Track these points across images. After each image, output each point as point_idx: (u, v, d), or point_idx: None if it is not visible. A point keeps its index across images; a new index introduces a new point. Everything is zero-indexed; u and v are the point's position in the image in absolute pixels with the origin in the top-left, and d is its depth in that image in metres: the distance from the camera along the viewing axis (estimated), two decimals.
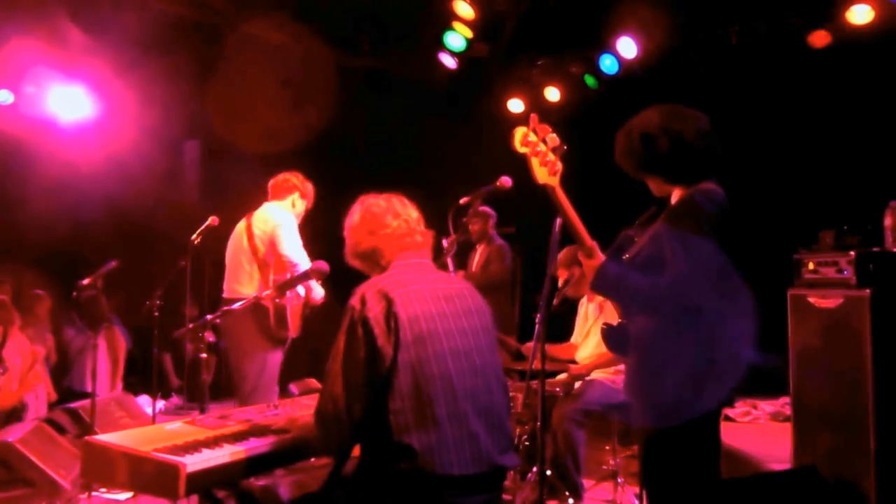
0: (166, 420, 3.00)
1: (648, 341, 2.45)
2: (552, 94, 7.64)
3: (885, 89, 6.00)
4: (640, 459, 2.60)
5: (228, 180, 7.97)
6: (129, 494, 4.46)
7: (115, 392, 6.59)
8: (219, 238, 5.24)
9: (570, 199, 2.35)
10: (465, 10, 6.65)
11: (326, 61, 7.34)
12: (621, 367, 4.34)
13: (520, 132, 2.28)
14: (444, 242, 3.87)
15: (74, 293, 4.82)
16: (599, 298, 4.54)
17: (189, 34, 6.81)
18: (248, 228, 4.64)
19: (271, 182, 4.83)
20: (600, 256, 2.40)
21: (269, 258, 4.55)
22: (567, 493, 4.21)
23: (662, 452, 2.46)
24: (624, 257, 2.58)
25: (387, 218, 2.47)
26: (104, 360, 7.02)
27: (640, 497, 4.05)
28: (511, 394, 4.34)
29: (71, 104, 6.76)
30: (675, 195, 2.55)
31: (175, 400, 7.66)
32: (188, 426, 2.59)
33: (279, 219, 4.60)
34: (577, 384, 4.51)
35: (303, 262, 4.46)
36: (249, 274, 4.56)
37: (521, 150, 2.28)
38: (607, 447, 4.60)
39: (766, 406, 6.09)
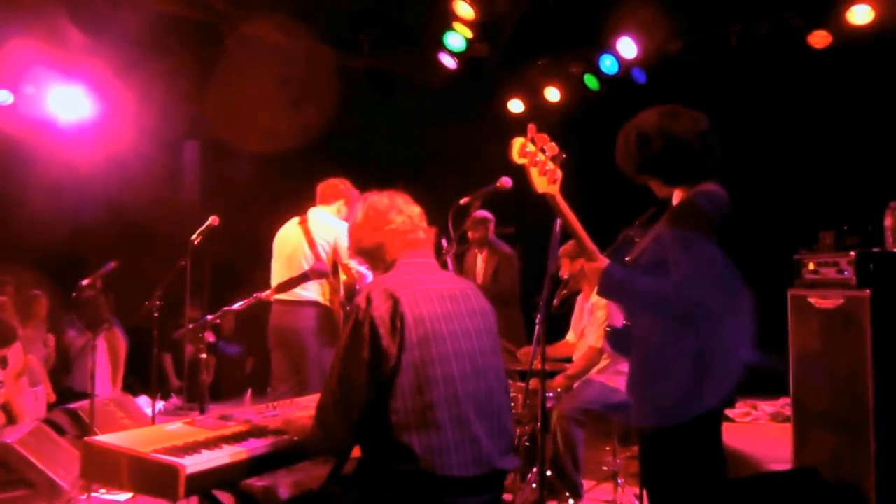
0: (166, 421, 3.00)
1: (650, 342, 2.46)
2: (552, 94, 7.63)
3: (886, 89, 6.00)
4: (641, 459, 2.60)
5: (228, 180, 7.98)
6: (128, 495, 4.46)
7: (115, 393, 6.59)
8: (219, 238, 5.25)
9: (571, 200, 2.35)
10: (465, 10, 6.65)
11: (326, 61, 7.34)
12: (620, 367, 4.34)
13: (517, 143, 2.27)
14: (444, 242, 3.87)
15: (74, 294, 4.82)
16: (594, 298, 4.54)
17: (189, 34, 6.80)
18: (308, 234, 4.76)
19: (319, 186, 4.96)
20: (603, 260, 2.40)
21: (330, 265, 4.74)
22: (567, 494, 4.21)
23: (663, 452, 2.46)
24: (627, 259, 2.58)
25: (391, 214, 2.46)
26: (104, 361, 7.03)
27: (640, 497, 4.05)
28: (511, 394, 4.35)
29: (70, 104, 6.76)
30: (677, 196, 2.55)
31: (175, 401, 7.65)
32: (188, 427, 2.59)
33: (339, 228, 4.75)
34: (577, 384, 4.51)
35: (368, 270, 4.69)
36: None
37: (519, 161, 2.28)
38: (607, 448, 4.60)
39: (767, 406, 6.09)
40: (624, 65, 6.92)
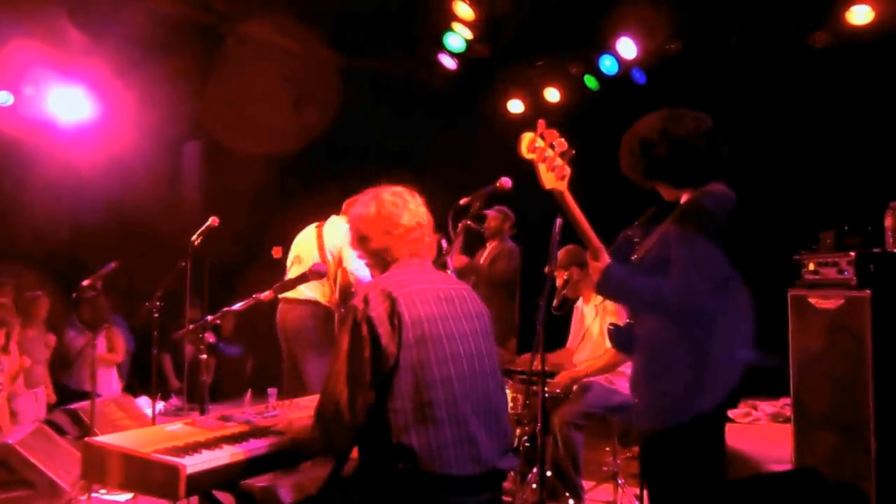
0: (166, 421, 3.00)
1: (653, 342, 2.46)
2: (552, 94, 7.63)
3: (886, 89, 5.99)
4: (641, 459, 2.60)
5: (229, 181, 7.97)
6: (128, 496, 4.47)
7: (115, 393, 6.59)
8: (219, 239, 5.25)
9: (574, 199, 2.35)
10: (465, 10, 6.65)
11: (327, 62, 7.34)
12: (620, 368, 4.34)
13: (526, 138, 2.26)
14: (444, 243, 3.87)
15: (75, 294, 4.82)
16: (597, 300, 4.54)
17: (189, 35, 6.80)
18: (320, 238, 5.07)
19: (347, 201, 5.16)
20: (606, 258, 2.40)
21: (334, 269, 5.00)
22: (567, 495, 4.21)
23: (664, 452, 2.46)
24: (633, 258, 2.58)
25: (403, 217, 2.46)
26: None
27: (640, 498, 4.05)
28: (511, 395, 4.35)
29: (70, 105, 6.75)
30: (684, 198, 2.55)
31: (175, 401, 7.65)
32: (188, 427, 2.59)
33: (347, 235, 4.79)
34: (576, 386, 4.50)
35: (367, 276, 4.75)
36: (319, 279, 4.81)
37: (528, 156, 2.26)
38: (607, 448, 4.60)
39: (767, 407, 6.08)
40: (624, 65, 6.91)
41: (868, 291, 3.66)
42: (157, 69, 6.65)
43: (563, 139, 2.28)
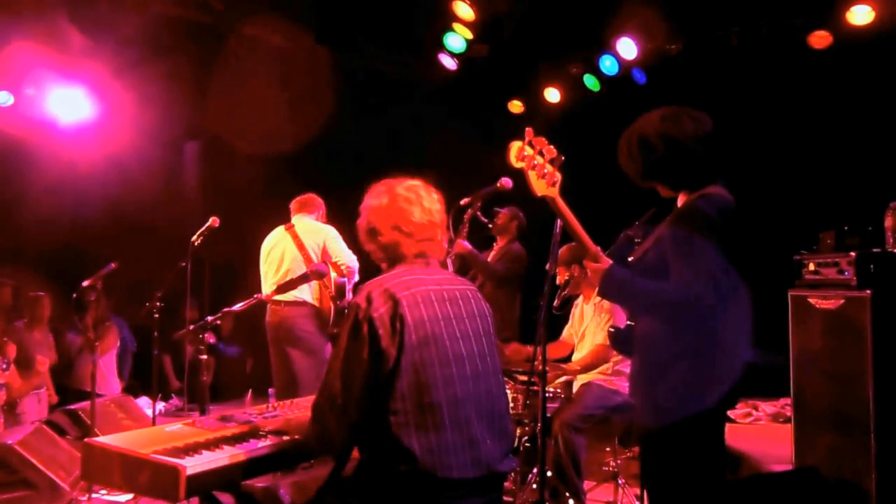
0: (166, 422, 3.00)
1: (652, 342, 2.46)
2: (552, 95, 7.63)
3: (886, 90, 6.00)
4: (641, 459, 2.60)
5: (228, 181, 7.97)
6: (129, 496, 4.46)
7: (115, 394, 6.58)
8: (219, 239, 5.25)
9: (571, 201, 2.35)
10: (465, 10, 6.65)
11: (326, 62, 7.34)
12: (621, 367, 4.34)
13: (515, 147, 2.26)
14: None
15: (75, 295, 4.82)
16: (597, 298, 4.54)
17: (189, 35, 6.80)
18: (296, 239, 5.12)
19: (298, 200, 5.38)
20: (606, 261, 2.40)
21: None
22: (567, 495, 4.21)
23: (664, 452, 2.46)
24: (629, 259, 2.58)
25: (414, 214, 2.39)
26: (110, 361, 7.03)
27: (640, 498, 4.05)
28: (512, 395, 4.35)
29: (71, 105, 6.75)
30: (681, 198, 2.55)
31: (175, 402, 7.65)
32: (188, 428, 2.59)
33: (326, 230, 5.17)
34: (576, 388, 4.50)
35: (357, 266, 5.05)
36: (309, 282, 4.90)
37: (517, 164, 2.27)
38: (608, 448, 4.60)
39: (767, 407, 6.09)
40: (624, 65, 6.91)
41: (868, 291, 3.66)
42: (157, 69, 6.65)
43: (552, 146, 2.28)
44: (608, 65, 6.98)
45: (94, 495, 4.50)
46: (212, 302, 7.85)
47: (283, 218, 5.43)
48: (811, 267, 4.05)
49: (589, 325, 4.59)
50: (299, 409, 2.90)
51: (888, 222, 3.85)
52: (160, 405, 6.85)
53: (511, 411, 4.15)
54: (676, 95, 2.81)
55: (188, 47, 6.86)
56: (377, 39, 7.46)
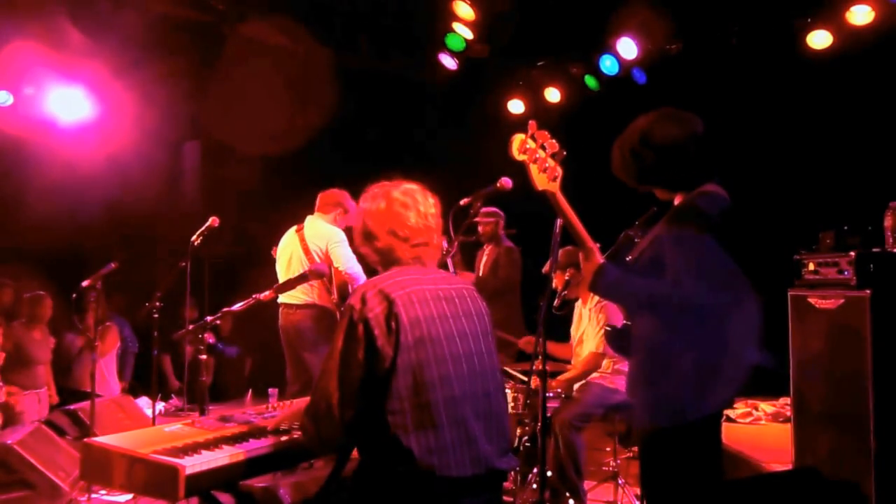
0: (166, 422, 3.00)
1: (650, 342, 2.46)
2: (552, 94, 7.63)
3: (886, 90, 5.99)
4: (641, 460, 2.60)
5: (228, 181, 7.97)
6: (128, 496, 4.46)
7: (115, 394, 6.59)
8: (219, 239, 5.26)
9: (571, 199, 2.35)
10: (465, 10, 6.65)
11: (326, 62, 7.34)
12: (620, 366, 4.34)
13: (517, 139, 2.26)
14: (444, 243, 3.86)
15: (74, 294, 4.82)
16: (593, 302, 4.54)
17: (189, 35, 6.80)
18: (303, 241, 5.13)
19: (320, 196, 5.32)
20: (599, 258, 2.40)
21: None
22: (567, 495, 4.21)
23: (662, 453, 2.46)
24: (627, 259, 2.58)
25: (410, 219, 2.39)
26: (110, 362, 7.03)
27: (640, 498, 4.05)
28: (512, 394, 4.35)
29: (70, 105, 6.75)
30: (678, 198, 2.55)
31: (175, 402, 7.65)
32: (187, 428, 2.59)
33: (331, 234, 5.11)
34: (576, 387, 4.50)
35: (360, 272, 4.97)
36: (314, 281, 4.91)
37: (519, 157, 2.27)
38: (608, 448, 4.60)
39: (767, 407, 6.08)
40: (624, 65, 6.91)
41: (868, 291, 3.66)
42: (157, 69, 6.65)
43: (554, 140, 2.28)
44: (608, 65, 6.98)
45: (93, 495, 4.50)
46: (211, 302, 7.84)
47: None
48: (811, 267, 4.05)
49: (586, 329, 4.59)
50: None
51: (888, 222, 3.85)
52: (160, 405, 6.84)
53: (511, 411, 4.17)
54: (676, 95, 2.81)
55: (188, 47, 6.86)
56: (377, 39, 7.46)
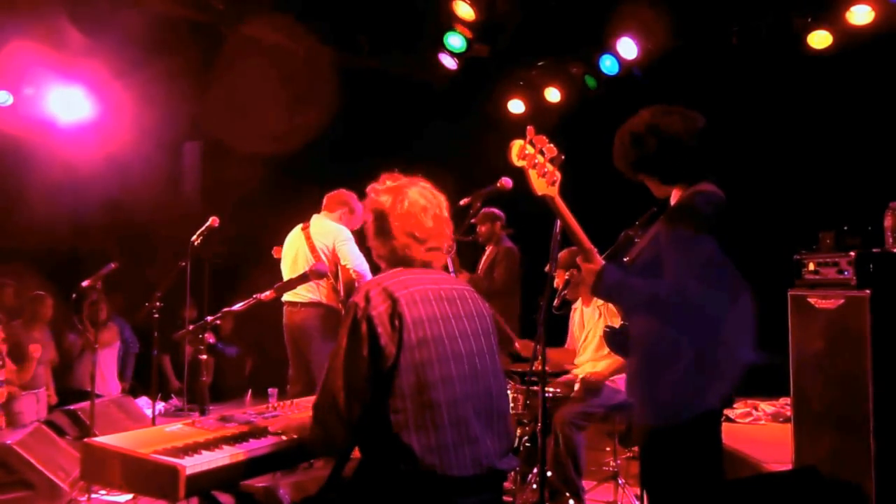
0: (166, 422, 3.00)
1: (649, 342, 2.46)
2: (552, 94, 7.63)
3: (886, 90, 6.00)
4: (641, 459, 2.60)
5: (228, 181, 7.97)
6: (128, 496, 4.46)
7: (115, 394, 6.59)
8: (219, 239, 5.25)
9: (571, 200, 2.35)
10: (465, 10, 6.65)
11: (326, 62, 7.34)
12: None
13: (516, 145, 2.27)
14: None
15: (74, 295, 4.82)
16: (598, 302, 4.54)
17: (189, 35, 6.80)
18: (309, 239, 5.12)
19: (327, 196, 5.33)
20: (599, 260, 2.41)
21: (331, 268, 5.06)
22: (567, 495, 4.21)
23: (662, 452, 2.46)
24: (625, 259, 2.58)
25: (428, 222, 2.40)
26: (111, 362, 7.03)
27: (640, 498, 4.05)
28: (512, 395, 4.35)
29: (70, 105, 6.75)
30: (674, 196, 2.56)
31: (175, 402, 7.65)
32: (188, 428, 2.58)
33: (337, 232, 5.11)
34: (577, 386, 4.50)
35: (367, 269, 4.95)
36: (315, 281, 4.84)
37: (518, 163, 2.27)
38: (608, 448, 4.60)
39: (767, 407, 6.08)
40: (624, 65, 6.91)
41: (868, 291, 3.66)
42: (157, 69, 6.65)
43: (552, 145, 2.28)
44: (608, 65, 6.98)
45: (93, 495, 4.50)
46: (212, 302, 7.84)
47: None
48: (811, 267, 4.05)
49: (594, 328, 4.58)
50: (299, 410, 2.90)
51: (888, 222, 3.85)
52: (160, 405, 6.84)
53: (511, 411, 4.17)
54: (677, 95, 2.81)
55: (188, 47, 6.85)
56: (377, 39, 7.46)
